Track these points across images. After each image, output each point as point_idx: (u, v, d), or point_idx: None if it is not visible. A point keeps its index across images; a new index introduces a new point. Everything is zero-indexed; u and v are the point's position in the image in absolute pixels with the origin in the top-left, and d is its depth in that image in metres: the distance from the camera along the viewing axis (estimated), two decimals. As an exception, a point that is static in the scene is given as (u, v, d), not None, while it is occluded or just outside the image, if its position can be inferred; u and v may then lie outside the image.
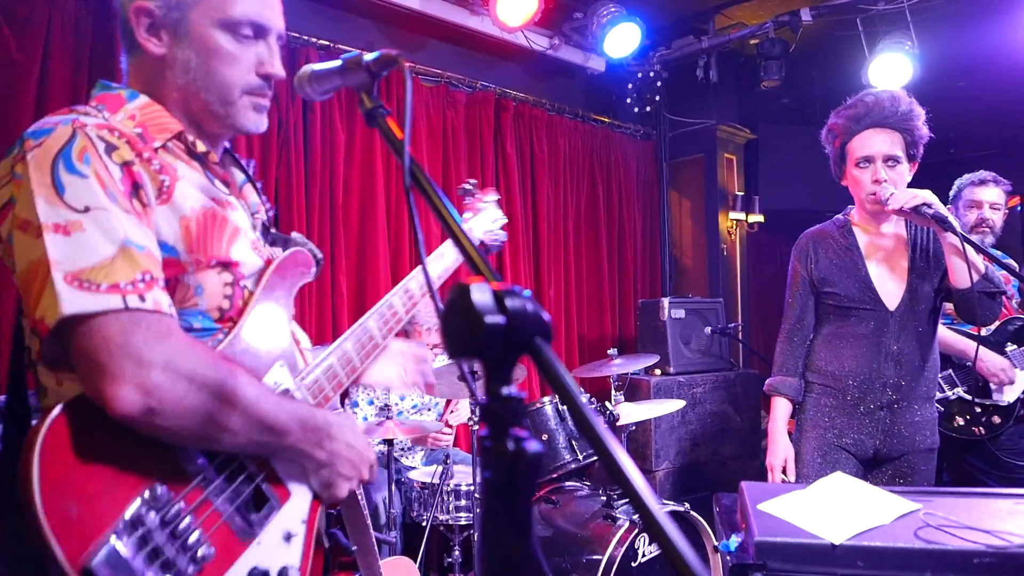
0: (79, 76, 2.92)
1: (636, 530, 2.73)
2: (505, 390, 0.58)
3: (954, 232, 1.97)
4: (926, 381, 2.23)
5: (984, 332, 2.87)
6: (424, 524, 2.86)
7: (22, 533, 0.88)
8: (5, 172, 1.00)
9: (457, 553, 2.89)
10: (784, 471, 2.29)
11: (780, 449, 2.30)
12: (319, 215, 3.59)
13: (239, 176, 1.31)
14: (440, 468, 2.88)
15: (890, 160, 2.16)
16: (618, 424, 3.07)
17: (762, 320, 6.03)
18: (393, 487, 2.87)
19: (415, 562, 2.73)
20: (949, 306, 2.27)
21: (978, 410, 2.87)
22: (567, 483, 3.31)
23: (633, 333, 4.95)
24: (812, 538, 1.38)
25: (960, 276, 2.04)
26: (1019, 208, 5.80)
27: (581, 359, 4.70)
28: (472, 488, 2.85)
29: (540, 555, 0.59)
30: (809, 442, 2.27)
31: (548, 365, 0.58)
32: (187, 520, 1.00)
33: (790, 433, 2.35)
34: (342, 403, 1.40)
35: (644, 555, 2.80)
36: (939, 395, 2.79)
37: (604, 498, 2.95)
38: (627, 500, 2.90)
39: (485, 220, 1.77)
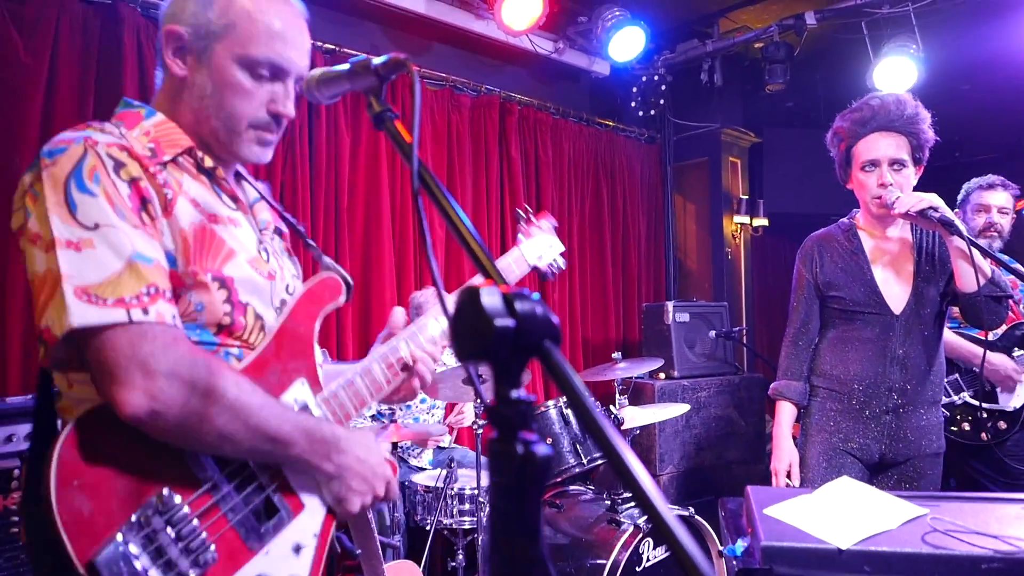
0: (86, 78, 2.94)
1: (640, 534, 2.72)
2: (514, 393, 0.58)
3: (960, 236, 1.97)
4: (932, 385, 2.22)
5: (991, 337, 2.85)
6: (428, 528, 2.86)
7: (42, 525, 0.95)
8: (25, 188, 1.06)
9: (461, 557, 2.89)
10: (789, 475, 2.28)
11: (784, 454, 2.29)
12: (324, 218, 3.60)
13: (252, 193, 1.33)
14: (444, 472, 2.88)
15: (896, 164, 2.15)
16: (622, 428, 3.07)
17: (766, 324, 6.02)
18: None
19: (419, 566, 2.73)
20: (956, 310, 2.26)
21: (984, 415, 2.86)
22: (571, 487, 3.30)
23: (637, 337, 4.95)
24: (819, 543, 1.37)
25: (966, 280, 2.03)
26: (1025, 212, 5.77)
27: (585, 363, 4.70)
28: (476, 492, 2.84)
29: (548, 559, 0.59)
30: (814, 446, 2.26)
31: (557, 368, 0.58)
32: (193, 524, 1.03)
33: (795, 438, 2.34)
34: None
35: (648, 560, 2.79)
36: (945, 400, 2.78)
37: (608, 502, 2.95)
38: (632, 504, 2.90)
39: (539, 245, 1.76)
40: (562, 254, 1.80)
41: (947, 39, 4.38)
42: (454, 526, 2.88)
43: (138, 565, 0.98)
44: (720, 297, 5.18)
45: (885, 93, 2.25)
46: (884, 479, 2.23)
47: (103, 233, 1.01)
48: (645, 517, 2.82)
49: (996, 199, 3.09)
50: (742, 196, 5.43)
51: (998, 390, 2.85)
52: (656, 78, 4.90)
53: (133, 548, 0.98)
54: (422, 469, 3.30)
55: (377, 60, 0.91)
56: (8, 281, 2.71)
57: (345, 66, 0.95)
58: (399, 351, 1.35)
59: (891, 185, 2.13)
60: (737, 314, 5.28)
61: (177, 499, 1.03)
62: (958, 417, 2.87)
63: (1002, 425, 2.85)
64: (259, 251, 1.23)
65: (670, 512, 0.52)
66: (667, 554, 2.83)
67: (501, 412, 0.58)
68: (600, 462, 3.07)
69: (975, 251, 1.99)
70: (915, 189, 2.15)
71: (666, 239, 5.57)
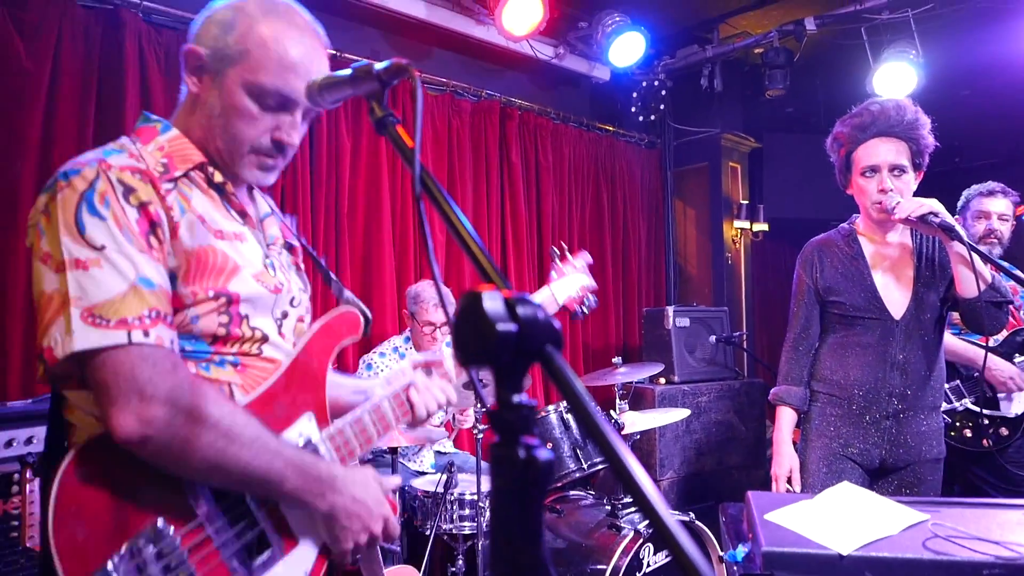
0: (88, 84, 2.94)
1: (641, 540, 2.72)
2: (516, 398, 0.58)
3: (961, 241, 1.97)
4: (932, 391, 2.22)
5: (992, 343, 2.85)
6: (428, 533, 2.86)
7: (44, 544, 1.00)
8: (42, 207, 1.08)
9: (461, 562, 2.88)
10: (789, 481, 2.28)
11: (785, 459, 2.29)
12: (324, 223, 3.60)
13: (263, 207, 1.35)
14: (444, 477, 2.88)
15: (896, 169, 2.16)
16: (623, 433, 3.07)
17: (767, 329, 6.02)
18: (396, 496, 2.86)
19: (419, 571, 2.72)
20: (957, 316, 2.26)
21: (985, 422, 2.86)
22: (572, 492, 3.30)
23: (638, 342, 4.95)
24: (820, 548, 1.37)
25: (967, 285, 2.03)
26: (1025, 218, 5.78)
27: (586, 368, 4.69)
28: (476, 497, 2.84)
29: (550, 563, 0.59)
30: (815, 452, 2.26)
31: (559, 372, 0.58)
32: (183, 555, 1.06)
33: (795, 443, 2.34)
34: None
35: (649, 565, 2.78)
36: (947, 406, 2.78)
37: (609, 507, 2.94)
38: (633, 509, 2.89)
39: (570, 285, 1.81)
40: (594, 292, 1.83)
41: (947, 44, 4.39)
42: (454, 531, 2.87)
43: None
44: (720, 302, 5.18)
45: (885, 99, 2.25)
46: (884, 484, 2.23)
47: (109, 255, 1.03)
48: (646, 522, 2.82)
49: (996, 206, 3.09)
50: (742, 201, 5.44)
51: (1000, 397, 2.85)
52: (656, 83, 4.91)
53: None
54: (422, 473, 3.30)
55: (379, 65, 0.91)
56: (8, 286, 2.71)
57: (347, 71, 0.95)
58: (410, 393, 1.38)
59: (891, 190, 2.14)
60: (737, 319, 5.28)
61: (170, 530, 1.05)
62: (960, 424, 2.87)
63: (1004, 432, 2.85)
64: (265, 265, 1.24)
65: (671, 517, 0.52)
66: (668, 559, 2.82)
67: (503, 416, 0.58)
68: (601, 467, 3.07)
69: (975, 256, 1.99)
70: (915, 194, 2.16)
71: (666, 244, 5.58)
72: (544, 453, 0.57)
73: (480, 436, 2.84)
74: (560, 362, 0.59)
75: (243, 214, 1.25)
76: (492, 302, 0.57)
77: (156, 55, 3.09)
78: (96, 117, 2.95)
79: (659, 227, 5.56)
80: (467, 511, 2.88)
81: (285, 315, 1.28)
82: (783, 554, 1.37)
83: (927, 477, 2.19)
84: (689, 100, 5.23)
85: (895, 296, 2.22)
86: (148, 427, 1.00)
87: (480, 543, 2.84)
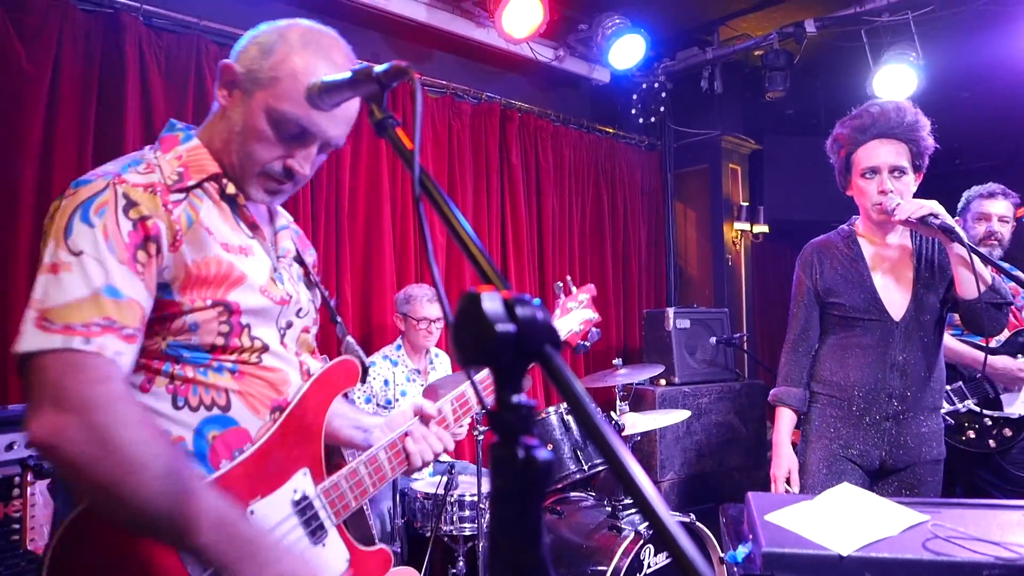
0: (89, 87, 2.94)
1: (641, 541, 2.72)
2: (515, 398, 0.58)
3: (961, 242, 1.97)
4: (932, 392, 2.22)
5: (993, 343, 2.85)
6: (428, 535, 2.86)
7: None
8: (50, 213, 1.10)
9: (461, 564, 2.88)
10: (788, 482, 2.28)
11: (784, 460, 2.29)
12: (324, 224, 3.60)
13: (280, 221, 1.37)
14: (444, 479, 2.88)
15: (896, 171, 2.16)
16: (623, 434, 3.06)
17: (767, 330, 6.02)
18: (397, 498, 2.86)
19: (419, 573, 2.72)
20: (958, 317, 2.26)
21: (988, 422, 2.85)
22: (572, 493, 3.30)
23: (638, 343, 4.95)
24: (820, 549, 1.37)
25: (967, 287, 2.03)
26: (1025, 219, 5.78)
27: (586, 369, 4.69)
28: (476, 499, 2.84)
29: (550, 564, 0.59)
30: (815, 453, 2.26)
31: (558, 373, 0.58)
32: None
33: (794, 444, 2.34)
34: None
35: (649, 566, 2.78)
36: (950, 408, 2.78)
37: (609, 508, 2.94)
38: (633, 510, 2.89)
39: (573, 320, 1.85)
40: (597, 324, 1.85)
41: (946, 47, 4.39)
42: (454, 533, 2.87)
43: None
44: (721, 303, 5.18)
45: (885, 101, 2.26)
46: (884, 486, 2.23)
47: (83, 261, 1.03)
48: (646, 523, 2.81)
49: (996, 208, 3.09)
50: (742, 203, 5.44)
51: (1002, 398, 2.85)
52: (656, 85, 4.92)
53: None
54: (419, 479, 3.30)
55: (379, 68, 0.91)
56: (8, 287, 2.71)
57: (347, 74, 0.96)
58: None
59: (891, 192, 2.14)
60: (738, 320, 5.28)
61: None
62: (964, 425, 2.86)
63: (1007, 432, 2.85)
64: (272, 278, 1.25)
65: (671, 518, 0.52)
66: (668, 560, 2.82)
67: (502, 417, 0.58)
68: (601, 468, 3.07)
69: (975, 258, 1.99)
70: (915, 196, 2.16)
71: (667, 246, 5.58)
72: (543, 453, 0.57)
73: (481, 438, 2.84)
74: (559, 362, 0.59)
75: (254, 226, 1.27)
76: (491, 303, 0.57)
77: (156, 58, 3.09)
78: (96, 120, 2.95)
79: (659, 229, 5.56)
80: (467, 512, 2.88)
81: (290, 324, 1.29)
82: (783, 555, 1.37)
83: (927, 478, 2.19)
84: (689, 102, 5.24)
85: (895, 297, 2.22)
86: (56, 436, 0.97)
87: (481, 544, 2.84)
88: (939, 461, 2.22)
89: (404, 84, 0.89)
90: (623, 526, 2.80)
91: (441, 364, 3.59)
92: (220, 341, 1.16)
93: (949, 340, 2.75)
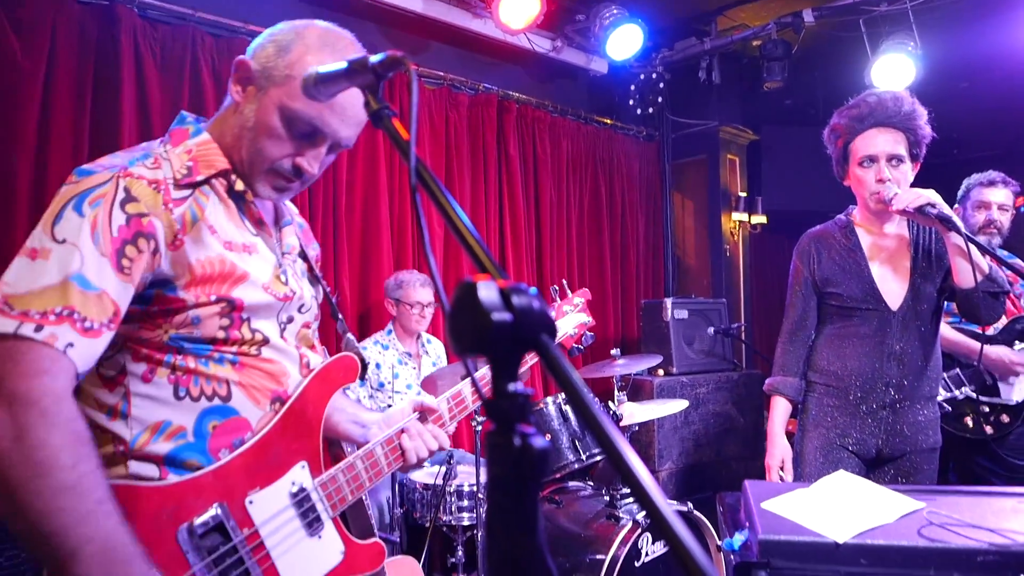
0: (84, 80, 2.93)
1: (639, 530, 2.73)
2: (511, 387, 0.59)
3: (958, 232, 1.97)
4: (928, 381, 2.22)
5: (991, 331, 2.86)
6: (427, 525, 2.87)
7: None
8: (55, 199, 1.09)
9: (460, 553, 2.90)
10: (782, 471, 2.29)
11: (778, 450, 2.30)
12: (322, 217, 3.60)
13: (286, 215, 1.37)
14: (443, 469, 2.89)
15: (894, 159, 2.16)
16: (621, 425, 3.08)
17: (765, 320, 6.03)
18: (396, 488, 2.88)
19: (419, 563, 2.73)
20: (956, 305, 2.27)
21: (986, 409, 2.86)
22: (570, 483, 3.31)
23: (636, 334, 4.95)
24: (816, 536, 1.38)
25: (964, 276, 2.04)
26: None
27: (584, 360, 4.70)
28: (475, 489, 2.85)
29: (547, 552, 0.59)
30: (811, 442, 2.27)
31: (554, 361, 0.59)
32: None
33: (790, 434, 2.35)
34: None
35: (647, 555, 2.80)
36: (947, 395, 2.78)
37: (607, 498, 2.96)
38: (631, 499, 2.90)
39: (567, 324, 1.88)
40: (591, 328, 1.89)
41: (945, 37, 4.38)
42: (453, 522, 2.89)
43: None
44: (719, 294, 5.19)
45: (882, 90, 2.25)
46: (881, 474, 2.24)
47: (63, 249, 1.02)
48: (644, 512, 2.82)
49: (996, 196, 3.09)
50: (740, 193, 5.44)
51: (1000, 384, 2.85)
52: (654, 76, 4.91)
53: None
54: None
55: (375, 58, 0.91)
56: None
57: (343, 64, 0.95)
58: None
59: (889, 181, 2.14)
60: (736, 311, 5.29)
61: None
62: (962, 412, 2.87)
63: (1005, 419, 2.85)
64: (276, 275, 1.26)
65: (668, 507, 0.53)
66: (666, 549, 2.83)
67: (499, 405, 0.58)
68: (599, 458, 3.08)
69: (972, 247, 1.99)
70: (913, 186, 2.16)
71: (665, 236, 5.58)
72: (540, 441, 0.57)
73: (479, 428, 2.85)
74: (555, 351, 0.59)
75: (259, 223, 1.27)
76: (487, 291, 0.57)
77: (152, 51, 3.08)
78: (92, 113, 2.94)
79: (657, 219, 5.56)
80: (466, 502, 2.90)
81: (291, 319, 1.30)
82: (779, 542, 1.38)
83: (923, 466, 2.20)
84: (687, 92, 5.22)
85: (892, 287, 2.22)
86: None
87: (480, 534, 2.86)
88: (935, 449, 2.23)
89: (400, 75, 0.89)
90: (621, 515, 2.81)
91: (433, 349, 3.61)
92: (221, 334, 1.17)
93: (946, 329, 2.76)
